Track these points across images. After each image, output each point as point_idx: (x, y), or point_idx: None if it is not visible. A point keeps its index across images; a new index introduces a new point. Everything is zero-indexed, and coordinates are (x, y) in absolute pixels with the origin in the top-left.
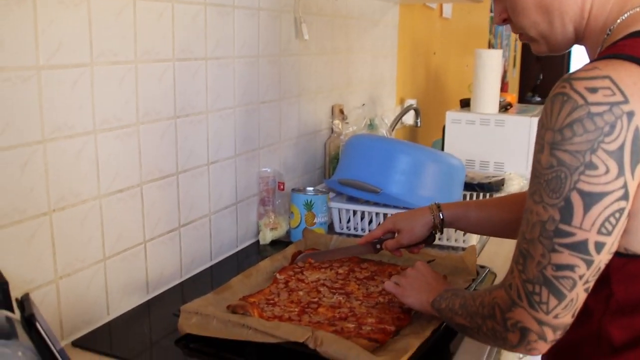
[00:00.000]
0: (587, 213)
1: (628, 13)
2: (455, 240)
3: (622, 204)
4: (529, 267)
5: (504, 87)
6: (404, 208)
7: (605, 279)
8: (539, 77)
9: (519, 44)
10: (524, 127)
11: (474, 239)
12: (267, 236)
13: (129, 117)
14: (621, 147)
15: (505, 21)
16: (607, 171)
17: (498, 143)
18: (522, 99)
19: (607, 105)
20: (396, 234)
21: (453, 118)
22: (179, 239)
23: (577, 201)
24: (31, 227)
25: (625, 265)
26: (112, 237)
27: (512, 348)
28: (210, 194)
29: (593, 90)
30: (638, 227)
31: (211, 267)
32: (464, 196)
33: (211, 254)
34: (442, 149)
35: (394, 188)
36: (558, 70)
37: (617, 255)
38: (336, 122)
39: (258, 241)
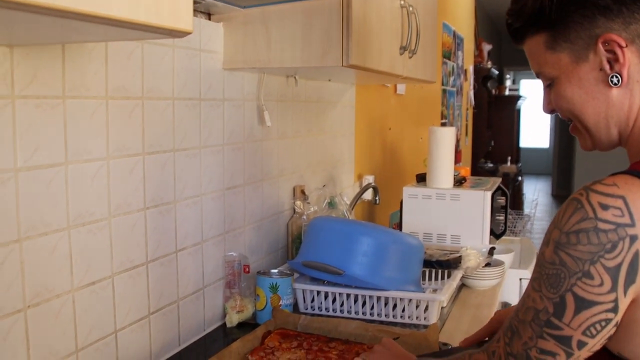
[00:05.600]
0: (577, 315)
1: None
2: (417, 318)
3: (610, 315)
4: (515, 343)
5: (457, 156)
6: (366, 288)
7: None
8: (490, 144)
9: (470, 114)
10: (479, 200)
11: (434, 317)
12: (233, 319)
13: (101, 211)
14: (618, 266)
15: (553, 111)
16: (602, 284)
17: (454, 217)
18: (474, 166)
19: (614, 225)
20: None
21: (410, 193)
22: (149, 326)
23: (570, 302)
24: (6, 324)
25: None
26: (84, 329)
27: None
28: (179, 280)
29: (605, 207)
30: (630, 336)
31: (179, 352)
32: (423, 273)
33: (179, 339)
34: (400, 221)
35: (357, 269)
36: (508, 139)
37: (613, 357)
38: (298, 203)
39: (225, 324)
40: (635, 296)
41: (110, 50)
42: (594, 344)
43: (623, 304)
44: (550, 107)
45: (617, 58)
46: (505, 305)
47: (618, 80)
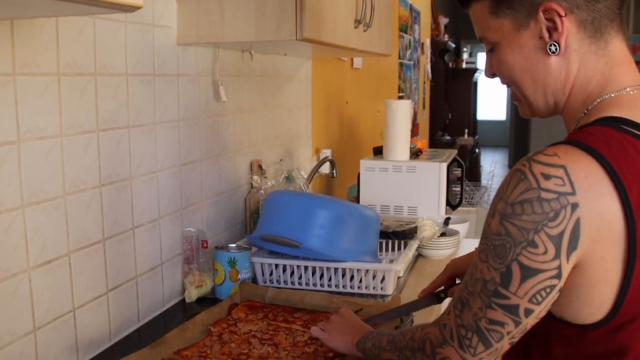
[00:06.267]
0: (523, 283)
1: (604, 97)
2: (374, 288)
3: (554, 281)
4: (465, 314)
5: (414, 129)
6: (323, 260)
7: (546, 337)
8: (448, 117)
9: (428, 87)
10: (434, 172)
11: (390, 287)
12: (192, 294)
13: (56, 189)
14: (561, 234)
15: (494, 75)
16: (546, 252)
17: (410, 188)
18: (432, 139)
19: (556, 194)
20: (458, 280)
21: (367, 166)
22: (107, 303)
23: (516, 271)
24: None
25: (560, 330)
26: (42, 308)
27: None
28: (137, 257)
29: (547, 177)
30: (570, 300)
31: (139, 328)
32: (380, 244)
33: (138, 315)
34: (358, 194)
35: (314, 242)
36: (465, 112)
37: (555, 319)
38: (255, 177)
39: (184, 299)
40: (576, 262)
41: (61, 25)
42: (540, 311)
43: (566, 270)
44: (491, 71)
45: (556, 27)
46: None
47: (556, 49)
